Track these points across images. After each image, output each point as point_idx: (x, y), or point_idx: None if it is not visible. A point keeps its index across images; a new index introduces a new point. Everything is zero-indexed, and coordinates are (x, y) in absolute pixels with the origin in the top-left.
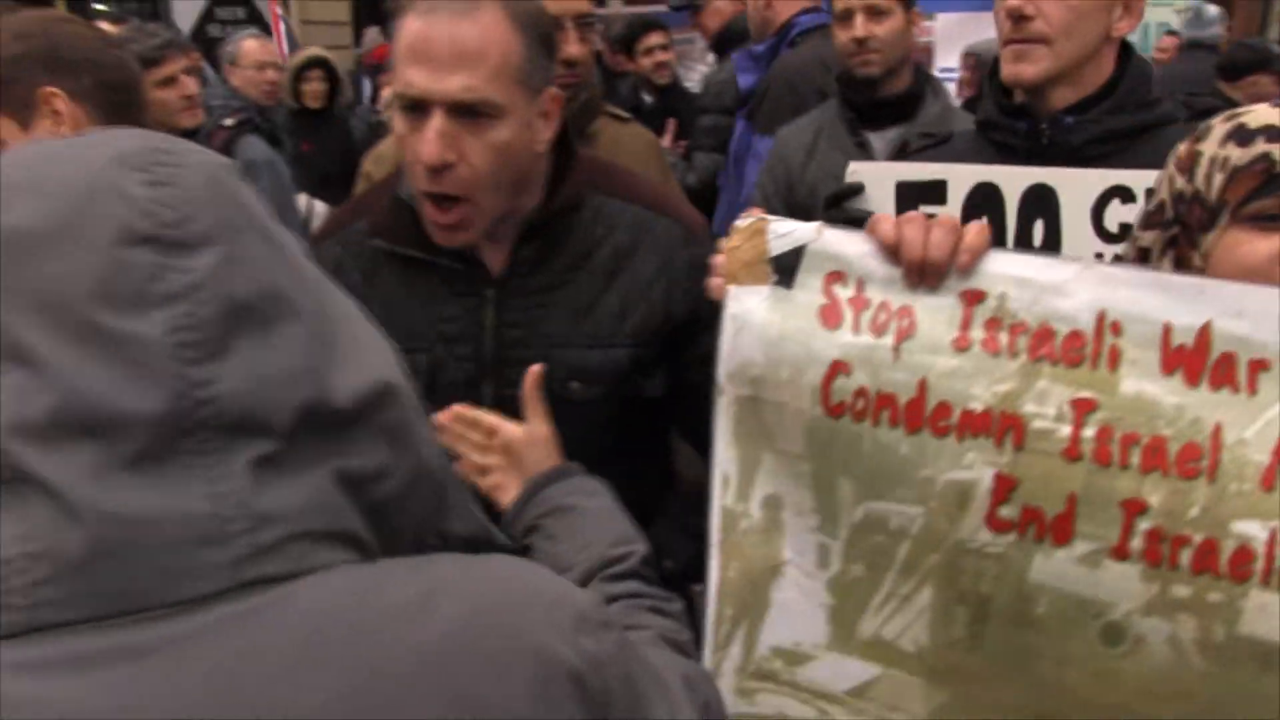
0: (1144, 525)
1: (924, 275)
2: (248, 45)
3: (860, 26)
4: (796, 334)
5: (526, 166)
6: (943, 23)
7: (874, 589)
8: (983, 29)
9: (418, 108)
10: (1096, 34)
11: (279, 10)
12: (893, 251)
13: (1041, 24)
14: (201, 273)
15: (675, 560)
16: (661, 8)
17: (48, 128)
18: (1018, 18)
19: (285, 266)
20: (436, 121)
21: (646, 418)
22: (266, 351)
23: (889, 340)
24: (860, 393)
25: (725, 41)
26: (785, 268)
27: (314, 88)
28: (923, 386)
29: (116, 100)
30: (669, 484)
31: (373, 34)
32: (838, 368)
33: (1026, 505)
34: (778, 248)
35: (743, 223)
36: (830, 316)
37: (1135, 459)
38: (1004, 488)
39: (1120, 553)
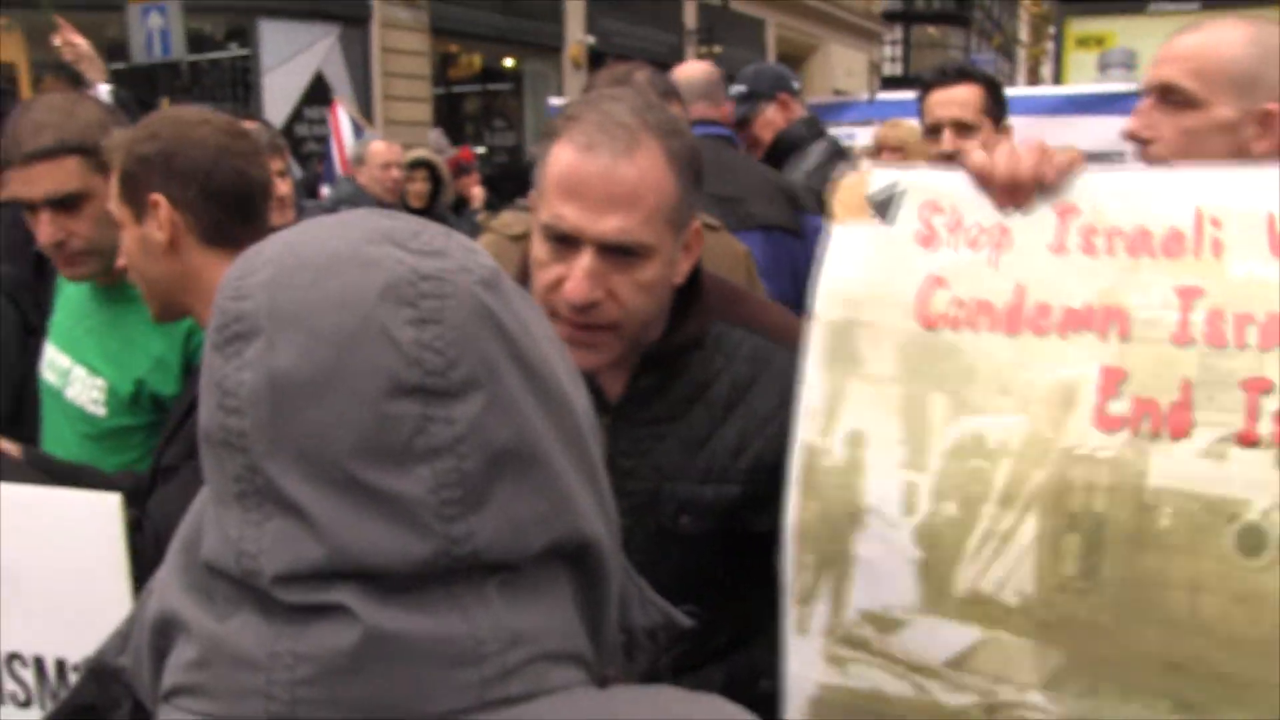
0: (1271, 405)
1: (1014, 194)
2: (375, 147)
3: (948, 141)
4: (894, 257)
5: (666, 300)
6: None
7: (969, 530)
8: (1058, 133)
9: (565, 240)
10: (1220, 155)
11: (346, 110)
12: (984, 177)
13: (1159, 148)
14: (465, 424)
15: (772, 680)
16: None
17: (152, 229)
18: (1140, 141)
19: (541, 400)
20: (586, 260)
21: (753, 550)
22: (523, 496)
23: (985, 253)
24: (958, 302)
25: (781, 152)
26: (884, 205)
27: (418, 188)
28: (1021, 291)
29: (223, 214)
30: (770, 608)
31: (434, 135)
32: (935, 282)
33: (1138, 397)
34: (877, 189)
35: (848, 175)
36: (927, 241)
37: (1253, 338)
38: (1112, 381)
39: (1248, 439)
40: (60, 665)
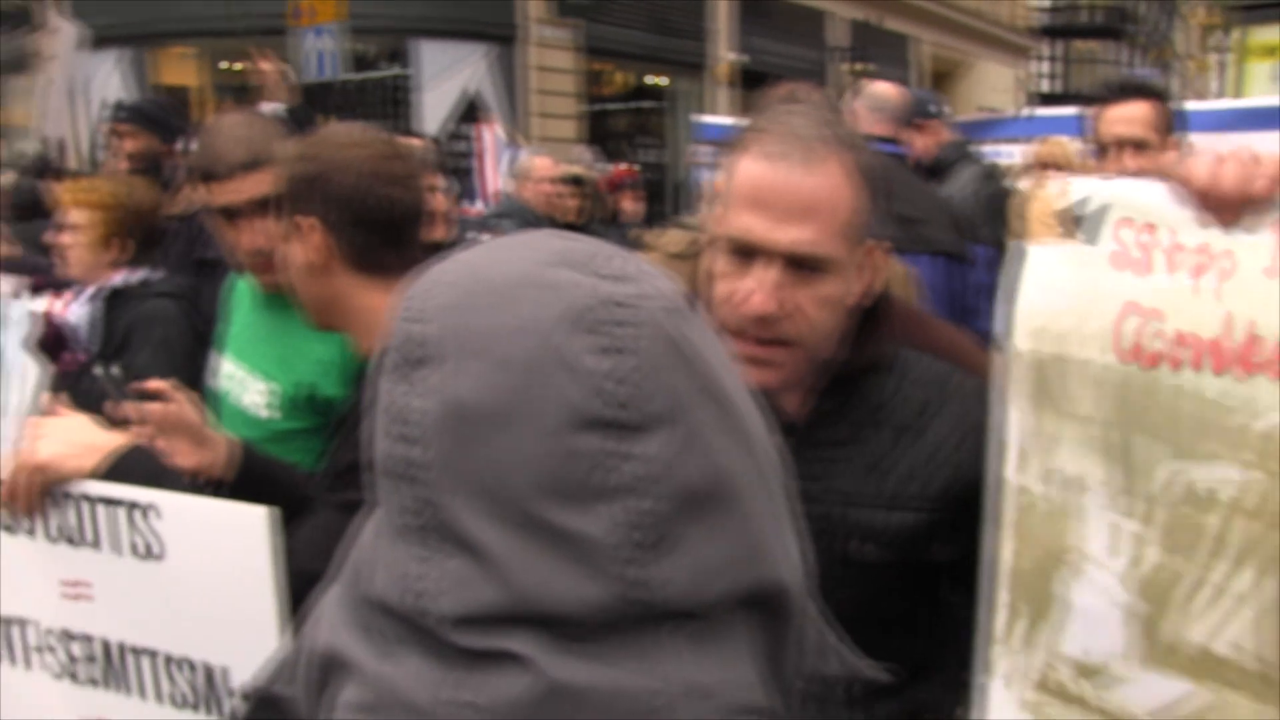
0: None
1: (1224, 209)
2: (539, 161)
3: (1122, 160)
4: (1093, 281)
5: (843, 318)
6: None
7: (1181, 577)
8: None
9: (747, 252)
10: None
11: (498, 128)
12: (1191, 190)
13: None
14: (654, 461)
15: (939, 715)
16: None
17: (300, 250)
18: None
19: (732, 436)
20: (771, 272)
21: (931, 580)
22: (713, 540)
23: (1190, 277)
24: (1159, 334)
25: (929, 176)
26: (1084, 221)
27: (571, 204)
28: (1230, 320)
29: (371, 238)
30: (943, 644)
31: (584, 152)
32: (1133, 310)
33: None
34: (1078, 204)
35: (1044, 186)
36: (1127, 262)
37: None
38: None
39: None
40: (210, 672)
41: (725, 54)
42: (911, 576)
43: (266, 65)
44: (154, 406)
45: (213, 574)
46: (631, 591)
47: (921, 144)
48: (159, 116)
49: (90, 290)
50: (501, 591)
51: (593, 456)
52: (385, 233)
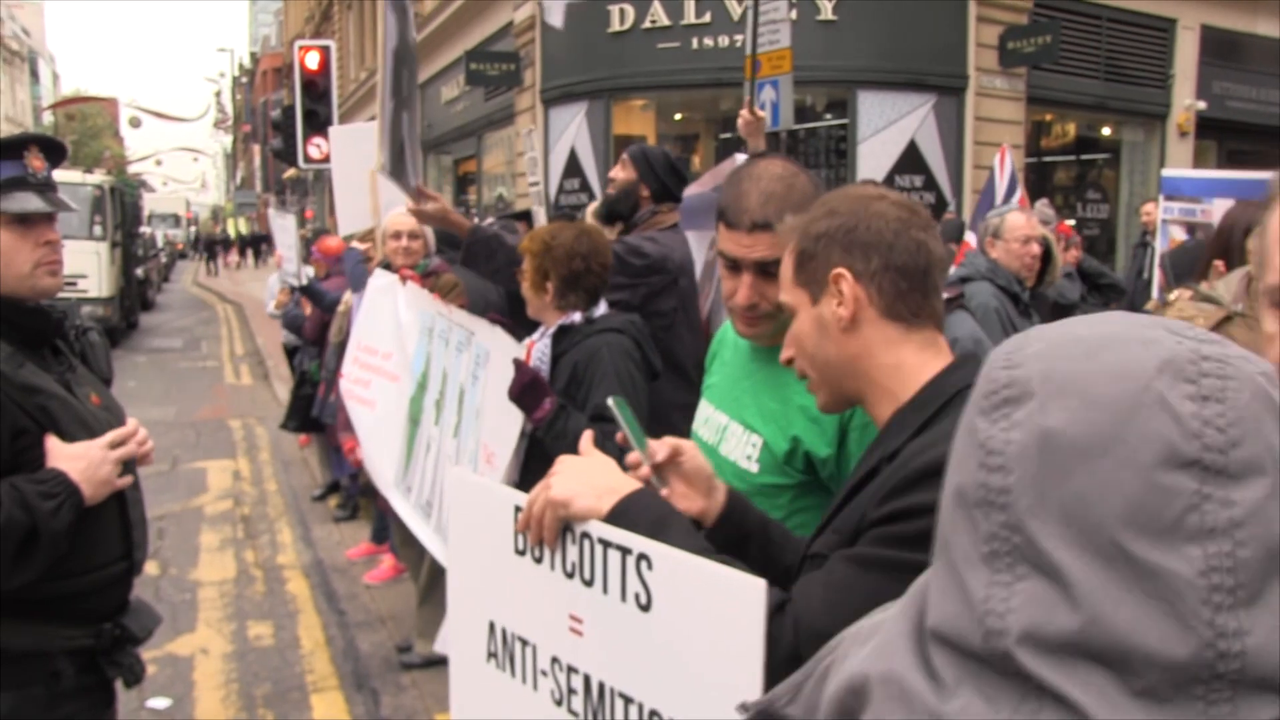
0: None
1: None
2: (1014, 219)
3: None
4: None
5: None
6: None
7: None
8: None
9: None
10: None
11: (1008, 158)
12: None
13: None
14: (1245, 507)
15: None
16: None
17: (832, 306)
18: None
19: None
20: None
21: None
22: None
23: None
24: None
25: None
26: None
27: (1037, 265)
28: None
29: (903, 285)
30: None
31: (1040, 206)
32: None
33: None
34: None
35: None
36: None
37: None
38: None
39: None
40: None
41: (1185, 101)
42: None
43: (749, 115)
44: (666, 449)
45: (697, 636)
46: (1214, 640)
47: None
48: (655, 164)
49: (541, 330)
50: (1077, 616)
51: (1186, 496)
52: (918, 280)
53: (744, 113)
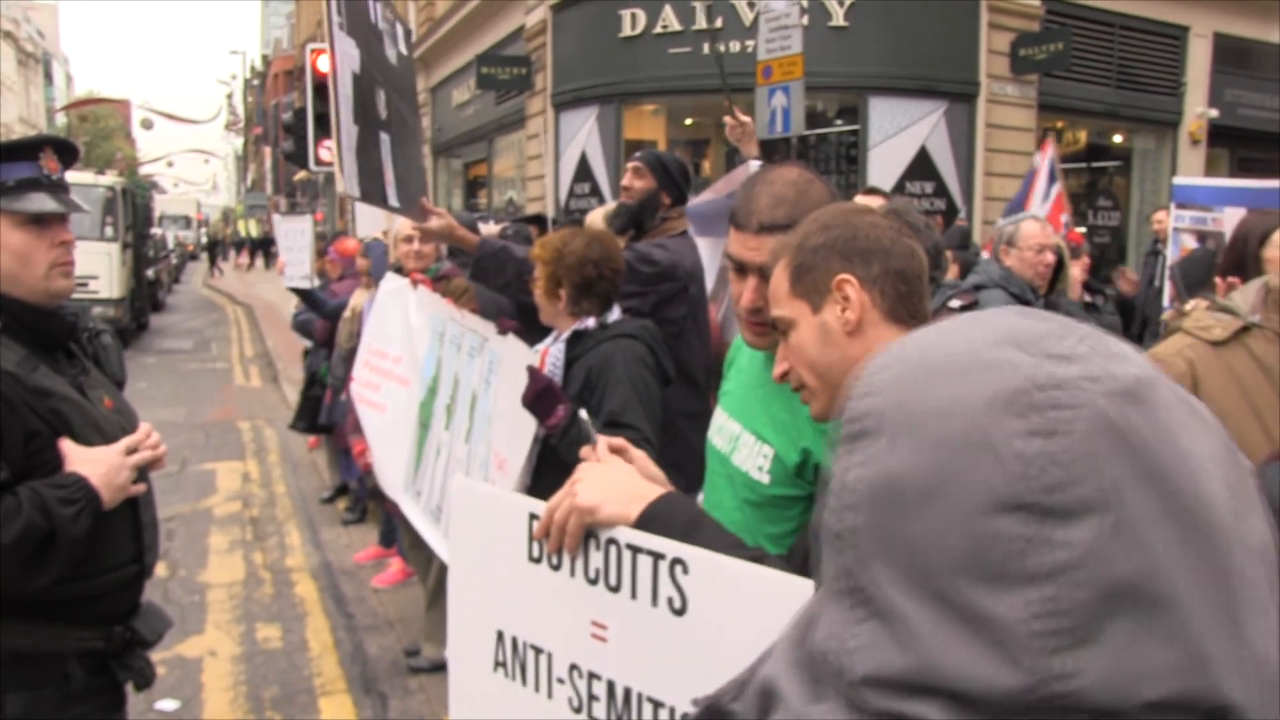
0: None
1: None
2: (1028, 228)
3: None
4: None
5: None
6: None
7: None
8: None
9: None
10: None
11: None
12: None
13: None
14: (1077, 549)
15: None
16: None
17: (835, 313)
18: None
19: (1179, 530)
20: None
21: None
22: (1140, 639)
23: None
24: None
25: None
26: None
27: (1049, 274)
28: None
29: (903, 288)
30: None
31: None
32: None
33: None
34: None
35: None
36: None
37: None
38: None
39: None
40: None
41: (1198, 109)
42: None
43: (741, 119)
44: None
45: (738, 639)
46: (1045, 685)
47: None
48: (672, 171)
49: (554, 336)
50: (910, 658)
51: (1012, 540)
52: (913, 282)
53: (728, 119)
